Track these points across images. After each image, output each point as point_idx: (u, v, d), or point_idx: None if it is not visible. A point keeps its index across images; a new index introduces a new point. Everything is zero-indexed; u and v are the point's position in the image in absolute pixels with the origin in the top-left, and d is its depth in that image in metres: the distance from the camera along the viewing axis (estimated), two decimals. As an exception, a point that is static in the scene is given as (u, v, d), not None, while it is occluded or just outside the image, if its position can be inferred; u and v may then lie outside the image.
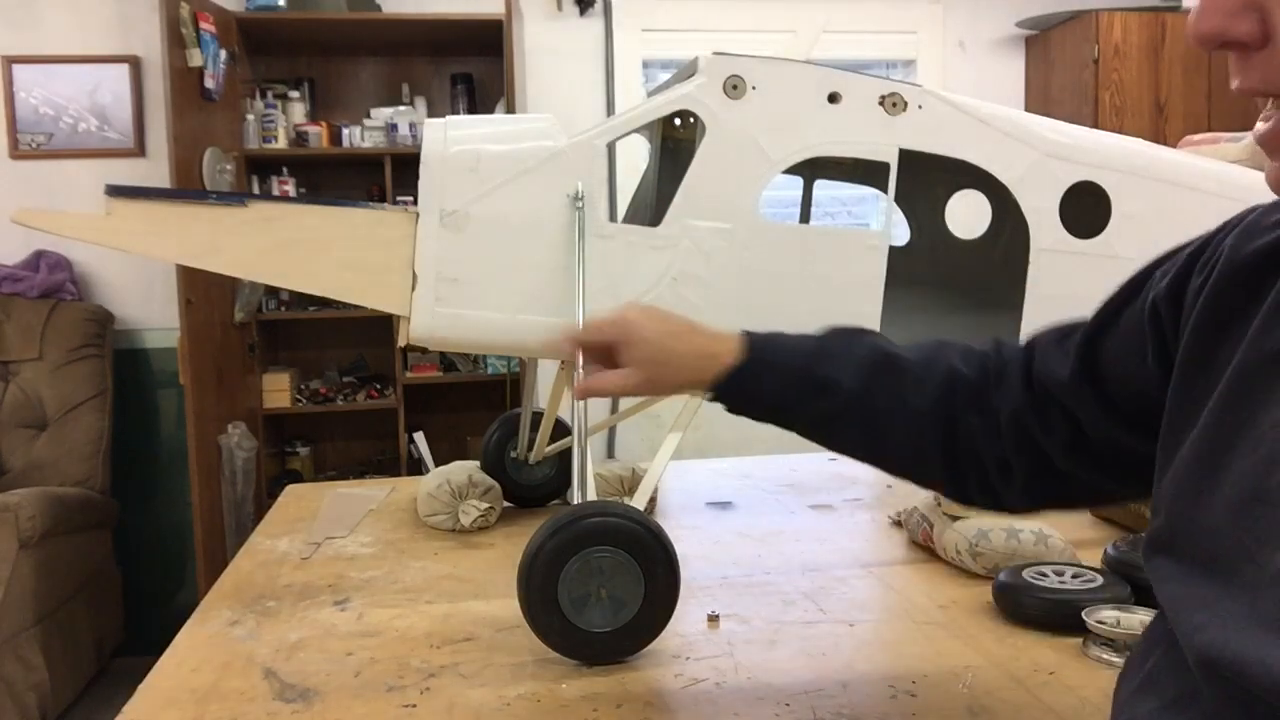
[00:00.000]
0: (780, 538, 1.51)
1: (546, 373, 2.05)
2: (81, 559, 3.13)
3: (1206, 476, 0.57)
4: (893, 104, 1.25)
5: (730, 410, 0.94)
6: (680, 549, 1.07)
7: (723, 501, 1.74)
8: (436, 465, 2.94)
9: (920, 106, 1.26)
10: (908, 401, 0.87)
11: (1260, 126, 0.55)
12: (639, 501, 1.13)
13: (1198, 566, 0.56)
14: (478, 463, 1.65)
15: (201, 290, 3.14)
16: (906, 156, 1.26)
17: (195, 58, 3.11)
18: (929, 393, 0.86)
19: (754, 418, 0.93)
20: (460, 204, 1.18)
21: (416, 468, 3.57)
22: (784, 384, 0.90)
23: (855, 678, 1.01)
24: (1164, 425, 0.64)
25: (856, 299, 1.27)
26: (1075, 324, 0.79)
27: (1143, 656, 0.62)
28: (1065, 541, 1.30)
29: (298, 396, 3.61)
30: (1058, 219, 1.31)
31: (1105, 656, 1.03)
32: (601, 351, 0.97)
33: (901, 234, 1.65)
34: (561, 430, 1.64)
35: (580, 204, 1.18)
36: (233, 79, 3.38)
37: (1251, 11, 0.52)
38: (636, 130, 1.27)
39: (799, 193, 1.68)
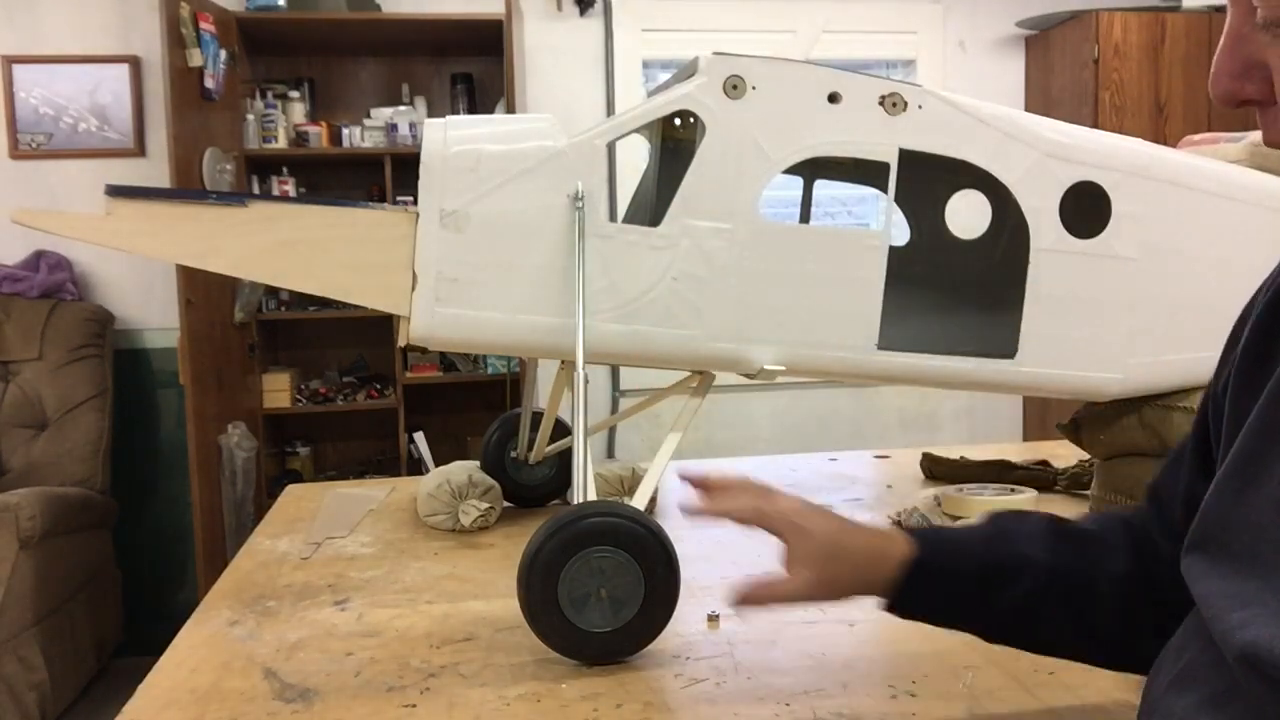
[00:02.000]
0: (780, 538, 1.51)
1: (546, 373, 2.05)
2: (81, 559, 3.13)
3: (1248, 477, 0.57)
4: (893, 104, 1.25)
5: (908, 614, 0.85)
6: (680, 549, 1.07)
7: (723, 501, 1.73)
8: (436, 465, 2.94)
9: (920, 106, 1.26)
10: (1104, 567, 0.79)
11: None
12: (639, 501, 1.13)
13: (1237, 565, 0.55)
14: (478, 463, 1.65)
15: (201, 290, 3.14)
16: (906, 156, 1.26)
17: (195, 58, 3.11)
18: (1121, 554, 0.79)
19: (937, 620, 0.85)
20: (460, 204, 1.18)
21: (416, 468, 3.57)
22: (967, 573, 0.81)
23: (855, 678, 1.01)
24: (1219, 459, 0.63)
25: (856, 299, 1.27)
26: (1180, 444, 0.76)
27: (1178, 651, 0.62)
28: (1065, 541, 1.30)
29: (298, 396, 3.61)
30: (1058, 219, 1.31)
31: (1105, 656, 1.03)
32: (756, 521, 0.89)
33: (901, 234, 1.65)
34: (561, 430, 1.64)
35: (580, 204, 1.18)
36: (233, 79, 3.38)
37: (1255, 71, 0.55)
38: (636, 130, 1.27)
39: (799, 193, 1.68)
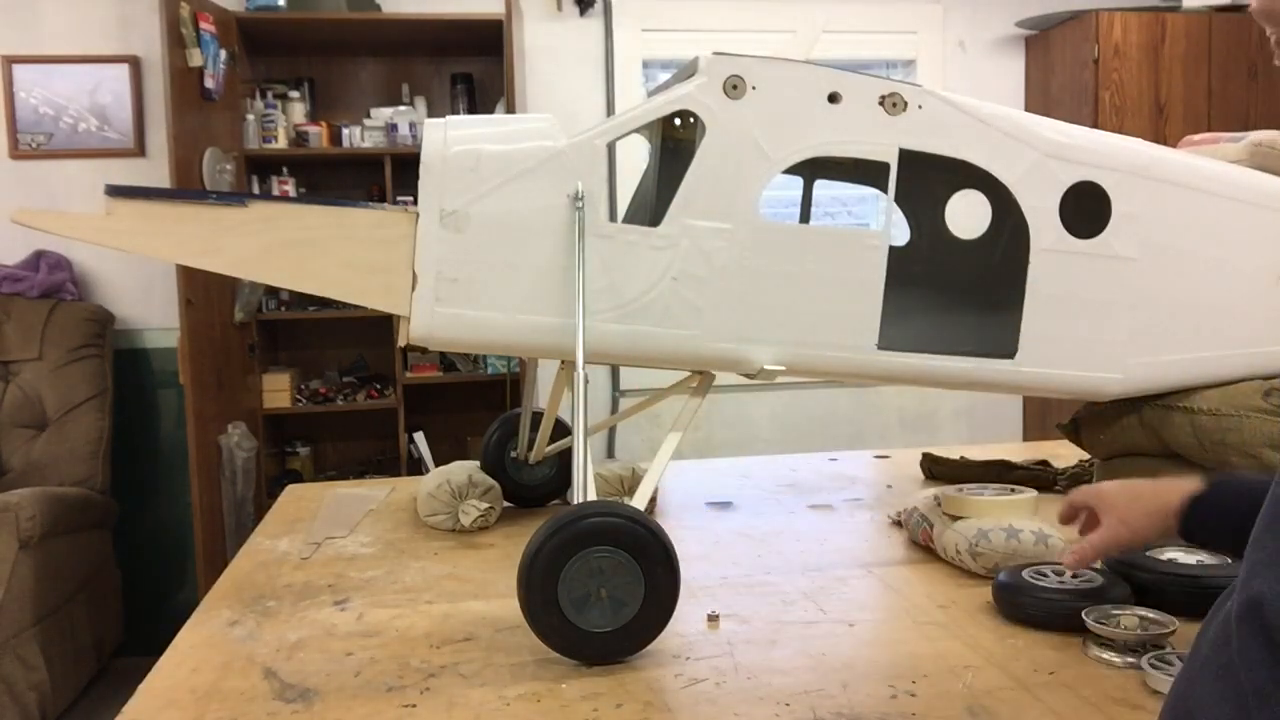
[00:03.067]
0: (780, 538, 1.51)
1: (546, 373, 2.05)
2: (81, 559, 3.13)
3: None
4: (893, 104, 1.25)
5: (1196, 540, 0.98)
6: (680, 549, 1.07)
7: (723, 501, 1.74)
8: (436, 465, 2.94)
9: (920, 106, 1.26)
10: None
11: None
12: (639, 501, 1.13)
13: (1265, 512, 0.57)
14: (478, 463, 1.65)
15: (201, 290, 3.14)
16: (906, 156, 1.26)
17: (195, 58, 3.11)
18: None
19: (1218, 548, 1.02)
20: (460, 204, 1.18)
21: (416, 468, 3.57)
22: (1251, 502, 0.86)
23: (855, 678, 1.01)
24: None
25: (856, 299, 1.27)
26: None
27: (1203, 628, 0.62)
28: (1065, 541, 1.30)
29: (298, 396, 3.61)
30: (1058, 219, 1.31)
31: (1105, 656, 1.03)
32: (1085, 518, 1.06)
33: (901, 234, 1.65)
34: (561, 430, 1.64)
35: (580, 204, 1.18)
36: (233, 79, 3.38)
37: (1269, 20, 0.67)
38: (636, 130, 1.27)
39: (799, 193, 1.68)
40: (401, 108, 3.57)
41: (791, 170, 1.47)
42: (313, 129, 3.49)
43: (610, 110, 3.80)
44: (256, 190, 3.54)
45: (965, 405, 4.15)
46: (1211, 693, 0.56)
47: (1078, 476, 1.73)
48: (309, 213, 1.17)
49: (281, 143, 3.47)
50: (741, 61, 1.22)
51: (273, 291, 3.53)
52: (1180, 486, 0.98)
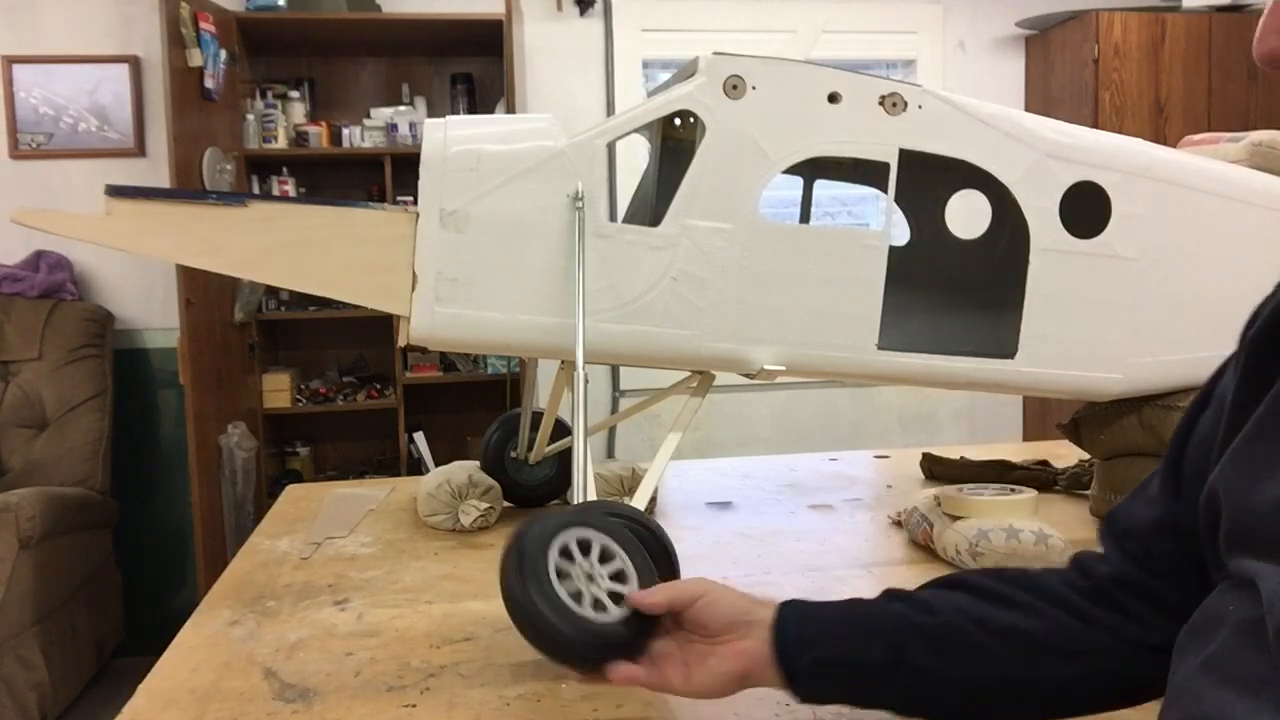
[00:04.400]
0: (780, 538, 1.51)
1: (546, 373, 2.05)
2: (81, 559, 3.13)
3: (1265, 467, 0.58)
4: (893, 104, 1.25)
5: (803, 690, 0.79)
6: (680, 549, 1.07)
7: (723, 501, 1.74)
8: (436, 465, 2.94)
9: (920, 106, 1.26)
10: (1015, 624, 0.75)
11: None
12: (639, 501, 1.13)
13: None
14: (478, 463, 1.65)
15: (201, 290, 3.14)
16: (906, 156, 1.26)
17: (195, 58, 3.11)
18: (1039, 609, 0.76)
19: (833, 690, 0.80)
20: (460, 204, 1.18)
21: (416, 468, 3.57)
22: (848, 626, 0.79)
23: (855, 678, 1.01)
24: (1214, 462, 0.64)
25: (856, 299, 1.27)
26: (1150, 475, 0.77)
27: (1205, 632, 0.60)
28: (1065, 541, 1.30)
29: (298, 396, 3.61)
30: (1058, 219, 1.31)
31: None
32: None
33: (901, 234, 1.65)
34: (561, 430, 1.64)
35: (580, 204, 1.18)
36: (233, 79, 3.38)
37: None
38: (636, 130, 1.27)
39: (799, 193, 1.68)
40: (401, 108, 3.58)
41: (791, 170, 1.47)
42: (313, 129, 3.49)
43: (610, 110, 3.81)
44: (256, 190, 3.54)
45: (965, 405, 4.15)
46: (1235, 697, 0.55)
47: (1078, 476, 1.73)
48: (309, 213, 1.17)
49: (281, 143, 3.47)
50: (741, 61, 1.22)
51: (273, 291, 3.53)
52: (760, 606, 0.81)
